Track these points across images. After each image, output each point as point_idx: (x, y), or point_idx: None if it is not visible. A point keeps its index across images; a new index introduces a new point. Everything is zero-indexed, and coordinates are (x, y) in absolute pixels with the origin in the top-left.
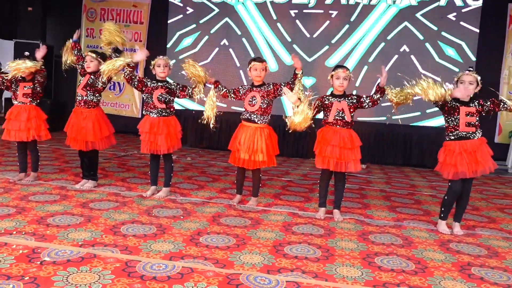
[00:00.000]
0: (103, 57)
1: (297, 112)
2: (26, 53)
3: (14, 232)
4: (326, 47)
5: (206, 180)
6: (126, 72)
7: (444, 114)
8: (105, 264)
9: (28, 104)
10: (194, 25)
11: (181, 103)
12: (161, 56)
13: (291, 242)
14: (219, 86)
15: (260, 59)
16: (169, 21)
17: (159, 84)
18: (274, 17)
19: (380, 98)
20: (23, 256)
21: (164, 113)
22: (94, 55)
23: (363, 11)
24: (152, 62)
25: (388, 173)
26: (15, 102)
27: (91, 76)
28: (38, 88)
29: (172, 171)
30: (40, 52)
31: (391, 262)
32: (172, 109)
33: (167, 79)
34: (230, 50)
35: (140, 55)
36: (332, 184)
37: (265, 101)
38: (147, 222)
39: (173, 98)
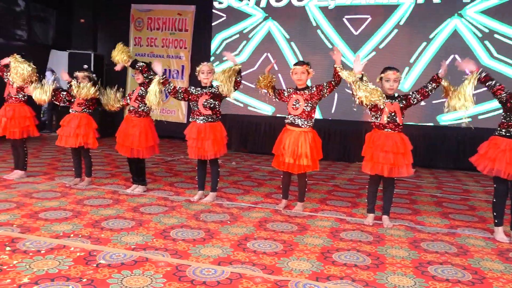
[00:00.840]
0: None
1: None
2: (85, 66)
3: (72, 235)
4: (374, 53)
5: (252, 184)
6: (168, 89)
7: (506, 111)
8: (156, 267)
9: (80, 112)
10: (237, 31)
11: (227, 107)
12: (204, 63)
13: (340, 249)
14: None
15: (300, 62)
16: (213, 28)
17: (204, 90)
18: (314, 24)
19: (433, 90)
20: (80, 258)
21: (210, 119)
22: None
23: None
24: (197, 69)
25: (438, 178)
26: (70, 111)
27: (141, 87)
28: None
29: (219, 176)
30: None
31: (446, 272)
32: (218, 115)
33: (214, 83)
34: (273, 55)
35: (158, 66)
36: (381, 189)
37: (309, 105)
38: (196, 227)
39: (219, 103)
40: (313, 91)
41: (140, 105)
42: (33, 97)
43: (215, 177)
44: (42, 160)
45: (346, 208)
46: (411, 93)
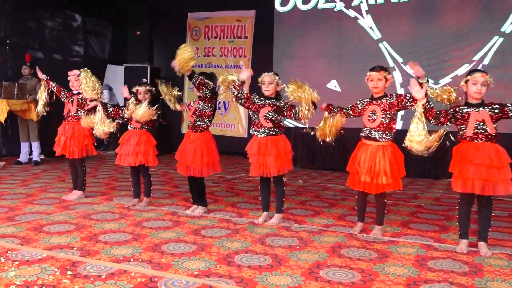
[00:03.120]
0: (211, 78)
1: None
2: (144, 80)
3: (132, 259)
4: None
5: (322, 205)
6: (233, 90)
7: None
8: None
9: (138, 128)
10: (302, 35)
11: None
12: (266, 73)
13: (428, 281)
14: (332, 109)
15: (377, 68)
16: (275, 34)
17: (267, 101)
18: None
19: None
20: (141, 284)
21: (272, 132)
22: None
23: None
24: (259, 79)
25: None
26: (129, 128)
27: (200, 101)
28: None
29: (284, 196)
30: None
31: None
32: (281, 128)
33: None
34: (344, 60)
35: (246, 73)
36: (475, 210)
37: (387, 116)
38: (261, 252)
39: (282, 117)
40: (392, 101)
41: (196, 120)
42: (94, 131)
43: (280, 197)
44: (100, 179)
45: (434, 233)
46: (509, 105)
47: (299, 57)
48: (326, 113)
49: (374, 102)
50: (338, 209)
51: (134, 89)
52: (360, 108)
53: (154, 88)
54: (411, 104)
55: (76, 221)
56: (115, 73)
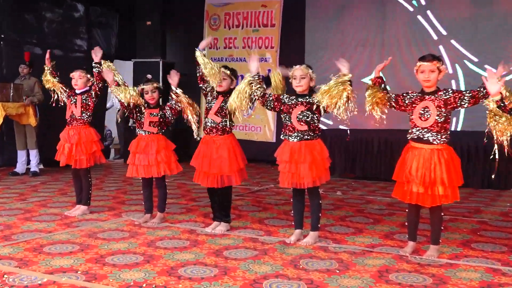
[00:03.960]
0: (235, 74)
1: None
2: (149, 76)
3: (144, 285)
4: None
5: (365, 221)
6: (256, 92)
7: None
8: None
9: (154, 133)
10: (338, 22)
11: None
12: (297, 66)
13: None
14: (377, 83)
15: (429, 57)
16: (306, 20)
17: (299, 100)
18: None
19: None
20: None
21: (306, 136)
22: (227, 71)
23: None
24: (289, 74)
25: None
26: (139, 132)
27: (225, 97)
28: (169, 116)
29: (320, 210)
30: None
31: None
32: (317, 131)
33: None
34: (388, 49)
35: (255, 62)
36: None
37: (442, 113)
38: (294, 277)
39: (319, 117)
40: (448, 96)
41: (223, 120)
42: (118, 97)
43: (316, 212)
44: (106, 192)
45: (501, 254)
46: None
47: (336, 47)
48: (370, 82)
49: (426, 97)
50: (384, 226)
51: (139, 89)
52: (407, 102)
53: (161, 85)
54: (482, 97)
55: (80, 241)
56: (123, 70)
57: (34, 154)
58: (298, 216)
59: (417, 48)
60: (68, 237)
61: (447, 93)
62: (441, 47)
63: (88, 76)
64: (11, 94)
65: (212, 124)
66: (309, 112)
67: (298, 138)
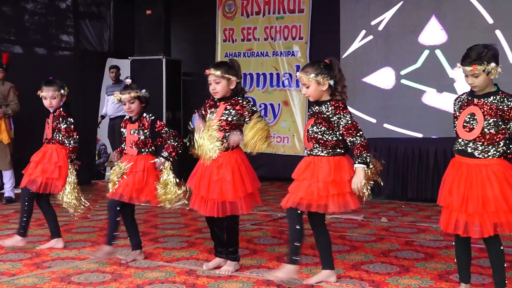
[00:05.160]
0: (234, 69)
1: None
2: (127, 81)
3: None
4: None
5: (414, 256)
6: None
7: None
8: None
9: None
10: (382, 4)
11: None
12: (298, 73)
13: None
14: None
15: (469, 57)
16: (342, 4)
17: (311, 109)
18: None
19: None
20: None
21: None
22: (217, 72)
23: None
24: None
25: None
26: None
27: (227, 103)
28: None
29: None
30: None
31: None
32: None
33: None
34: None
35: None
36: None
37: (491, 123)
38: None
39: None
40: (502, 105)
41: (226, 135)
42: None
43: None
44: (93, 222)
45: None
46: None
47: (379, 36)
48: None
49: (474, 101)
50: (439, 263)
51: (114, 97)
52: (456, 108)
53: (144, 91)
54: None
55: (48, 286)
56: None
57: (8, 176)
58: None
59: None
60: (35, 281)
61: (502, 100)
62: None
63: (62, 92)
64: None
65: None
66: (320, 126)
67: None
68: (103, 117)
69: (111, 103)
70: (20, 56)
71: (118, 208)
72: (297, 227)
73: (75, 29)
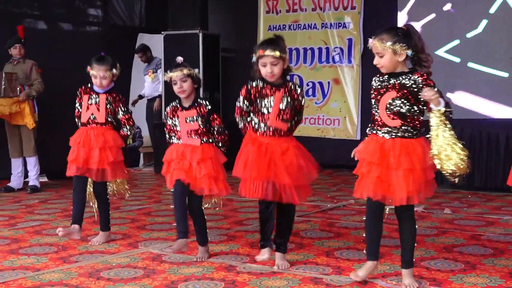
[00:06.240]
0: (281, 44)
1: None
2: (179, 59)
3: None
4: None
5: (482, 252)
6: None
7: None
8: None
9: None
10: None
11: None
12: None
13: None
14: None
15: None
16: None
17: (391, 81)
18: None
19: None
20: None
21: (401, 133)
22: (277, 53)
23: None
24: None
25: None
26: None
27: (285, 91)
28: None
29: (413, 240)
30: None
31: None
32: (418, 126)
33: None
34: None
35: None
36: None
37: None
38: None
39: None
40: None
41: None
42: None
43: (411, 242)
44: (124, 213)
45: None
46: None
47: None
48: None
49: None
50: (509, 260)
51: (166, 78)
52: None
53: (196, 71)
54: None
55: (76, 282)
56: (151, 46)
57: (32, 163)
58: (373, 244)
59: None
60: (61, 276)
61: None
62: None
63: (114, 71)
64: (3, 86)
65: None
66: (405, 99)
67: (391, 134)
68: (141, 96)
69: (148, 83)
70: (44, 32)
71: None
72: None
73: (103, 2)
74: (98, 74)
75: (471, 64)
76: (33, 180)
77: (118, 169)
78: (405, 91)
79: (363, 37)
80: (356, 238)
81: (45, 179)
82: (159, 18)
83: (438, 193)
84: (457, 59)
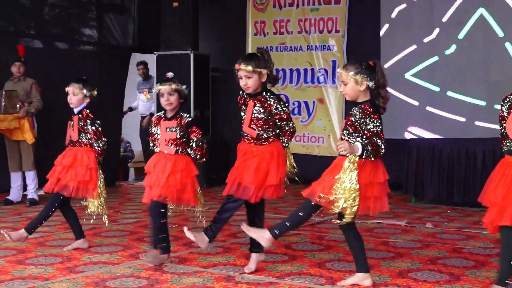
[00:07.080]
0: (266, 61)
1: None
2: (169, 74)
3: None
4: None
5: (463, 264)
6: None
7: None
8: None
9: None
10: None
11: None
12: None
13: None
14: None
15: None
16: None
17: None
18: None
19: None
20: None
21: None
22: (248, 67)
23: None
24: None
25: None
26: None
27: (257, 102)
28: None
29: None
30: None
31: None
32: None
33: None
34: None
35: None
36: None
37: None
38: None
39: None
40: None
41: (261, 132)
42: None
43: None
44: (121, 226)
45: None
46: None
47: (424, 27)
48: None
49: None
50: (490, 271)
51: (155, 90)
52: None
53: (185, 87)
54: None
55: None
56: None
57: (31, 177)
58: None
59: None
60: (69, 286)
61: None
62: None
63: (84, 91)
64: (3, 103)
65: (246, 135)
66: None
67: None
68: (131, 109)
69: (142, 101)
70: (40, 51)
71: (162, 210)
72: None
73: (98, 22)
74: (69, 90)
75: (449, 93)
76: (31, 194)
77: (84, 188)
78: (349, 120)
79: (346, 59)
80: (344, 250)
81: (43, 192)
82: (152, 39)
83: (419, 208)
84: (436, 88)
